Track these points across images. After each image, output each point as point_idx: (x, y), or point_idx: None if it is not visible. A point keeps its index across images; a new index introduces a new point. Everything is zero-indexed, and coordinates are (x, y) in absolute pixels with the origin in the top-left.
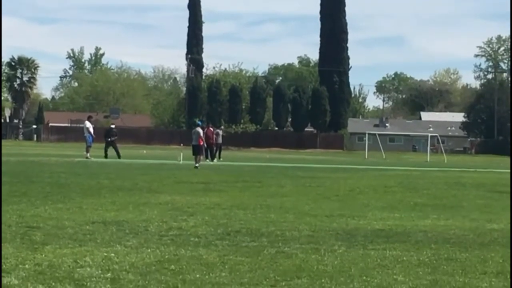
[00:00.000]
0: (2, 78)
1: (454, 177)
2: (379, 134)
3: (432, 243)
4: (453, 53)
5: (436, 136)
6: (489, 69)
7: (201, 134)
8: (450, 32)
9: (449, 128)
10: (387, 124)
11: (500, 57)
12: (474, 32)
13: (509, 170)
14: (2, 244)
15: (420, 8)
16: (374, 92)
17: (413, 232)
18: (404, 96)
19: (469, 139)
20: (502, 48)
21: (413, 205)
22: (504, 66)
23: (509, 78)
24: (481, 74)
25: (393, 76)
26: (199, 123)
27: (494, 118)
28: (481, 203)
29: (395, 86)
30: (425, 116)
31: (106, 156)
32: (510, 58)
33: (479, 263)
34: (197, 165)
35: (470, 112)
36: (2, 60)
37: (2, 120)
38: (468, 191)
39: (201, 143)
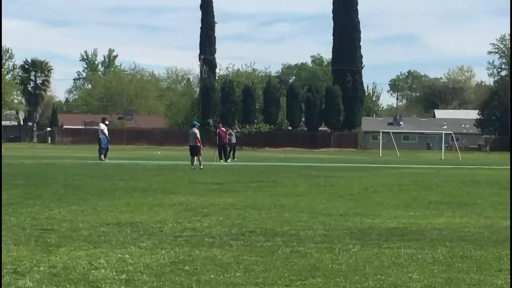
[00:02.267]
0: (16, 81)
1: (468, 174)
2: (393, 133)
3: (446, 241)
4: (467, 50)
5: (450, 133)
6: (503, 66)
7: (198, 135)
8: (463, 29)
9: (463, 126)
10: (401, 123)
11: None
12: (487, 29)
13: None
14: (16, 247)
15: (433, 5)
16: (388, 91)
17: (428, 230)
18: (417, 94)
19: (483, 136)
20: None
21: (428, 203)
22: None
23: (509, 78)
24: (495, 71)
25: (406, 74)
26: (196, 123)
27: (508, 115)
28: (496, 200)
29: (409, 84)
30: (439, 114)
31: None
32: (510, 59)
33: (494, 260)
34: (193, 167)
35: (484, 109)
36: (16, 63)
37: (16, 123)
38: (483, 188)
39: (198, 144)
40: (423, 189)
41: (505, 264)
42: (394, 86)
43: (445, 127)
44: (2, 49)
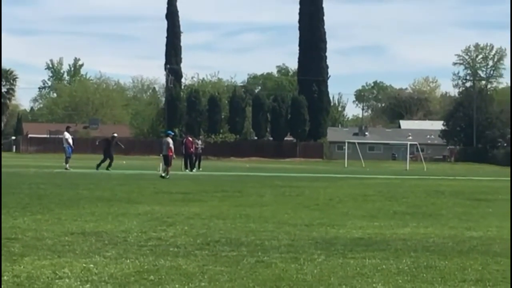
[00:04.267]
0: None
1: (433, 185)
2: (358, 143)
3: (411, 251)
4: (432, 61)
5: (416, 144)
6: (468, 77)
7: (171, 144)
8: (428, 41)
9: (428, 136)
10: (366, 133)
11: (478, 65)
12: (452, 41)
13: (490, 178)
14: None
15: (399, 17)
16: (353, 101)
17: (393, 240)
18: (383, 105)
19: (448, 147)
20: (480, 56)
21: (393, 214)
22: (482, 74)
23: (510, 84)
24: (460, 82)
25: (372, 84)
26: (170, 133)
27: (473, 126)
28: (460, 211)
29: (374, 95)
30: (404, 124)
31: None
32: (510, 62)
33: (458, 271)
34: (163, 174)
35: (449, 120)
36: None
37: None
38: (447, 199)
39: (171, 154)
40: (388, 199)
41: (469, 274)
42: (360, 96)
43: (410, 137)
44: None
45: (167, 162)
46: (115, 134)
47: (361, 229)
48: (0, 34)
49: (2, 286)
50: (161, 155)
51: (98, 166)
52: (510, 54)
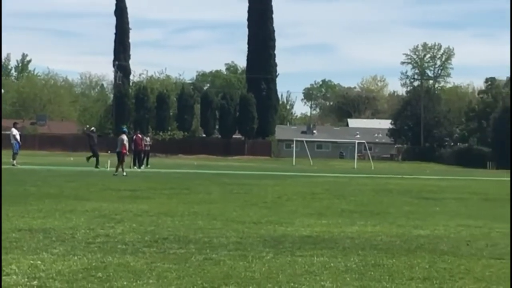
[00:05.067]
0: None
1: (381, 183)
2: (306, 141)
3: (359, 249)
4: (380, 61)
5: (363, 143)
6: (415, 76)
7: (125, 141)
8: (377, 40)
9: (376, 135)
10: (314, 131)
11: (426, 64)
12: (401, 40)
13: (437, 177)
14: None
15: (347, 15)
16: (302, 99)
17: (341, 238)
18: (331, 103)
19: (395, 146)
20: (428, 56)
21: (341, 212)
22: (430, 73)
23: (510, 85)
24: (408, 81)
25: (320, 83)
26: (125, 130)
27: (420, 125)
28: (408, 209)
29: (323, 93)
30: (352, 123)
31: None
32: (510, 62)
33: (406, 269)
34: (116, 173)
35: (397, 119)
36: None
37: None
38: (395, 197)
39: (124, 151)
40: (336, 197)
41: (416, 272)
42: (308, 95)
43: (358, 136)
44: None
45: (120, 159)
46: (93, 129)
47: (309, 227)
48: (0, 34)
49: None
50: (114, 151)
51: (97, 164)
52: (510, 54)
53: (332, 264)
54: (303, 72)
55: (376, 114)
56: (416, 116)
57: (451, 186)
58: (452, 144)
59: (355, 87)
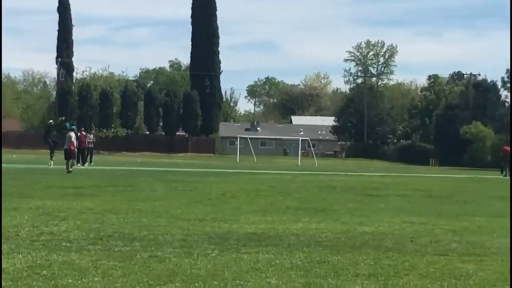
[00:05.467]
0: None
1: (325, 180)
2: (250, 138)
3: (304, 246)
4: (324, 58)
5: (307, 140)
6: (359, 74)
7: (73, 138)
8: (320, 37)
9: (319, 132)
10: (258, 128)
11: (369, 62)
12: (344, 37)
13: (381, 174)
14: None
15: (290, 12)
16: (246, 96)
17: (286, 235)
18: (275, 100)
19: (339, 143)
20: (371, 53)
21: (285, 209)
22: (373, 70)
23: (509, 79)
24: (351, 78)
25: (264, 80)
26: (73, 127)
27: (363, 122)
28: (352, 206)
29: (266, 91)
30: (296, 120)
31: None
32: (510, 60)
33: (351, 265)
34: (70, 169)
35: (340, 116)
36: None
37: None
38: (339, 194)
39: (72, 148)
40: (280, 194)
41: (361, 269)
42: (252, 92)
43: (301, 133)
44: None
45: (68, 156)
46: (51, 121)
47: (254, 224)
48: (0, 34)
49: None
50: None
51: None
52: (510, 53)
53: (277, 261)
54: (247, 69)
55: (319, 111)
56: (360, 113)
57: (394, 183)
58: (395, 141)
59: (298, 84)
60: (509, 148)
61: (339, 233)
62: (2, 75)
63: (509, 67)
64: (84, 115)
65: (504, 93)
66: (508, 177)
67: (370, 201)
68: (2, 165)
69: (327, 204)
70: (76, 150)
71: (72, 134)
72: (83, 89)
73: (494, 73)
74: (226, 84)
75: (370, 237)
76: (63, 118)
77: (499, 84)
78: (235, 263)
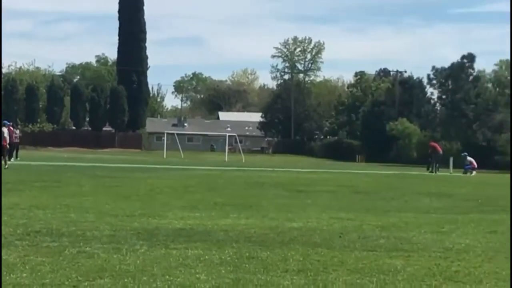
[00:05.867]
0: None
1: (253, 176)
2: (177, 134)
3: (233, 242)
4: (251, 54)
5: (234, 136)
6: (286, 70)
7: (6, 134)
8: (248, 33)
9: (246, 128)
10: (185, 124)
11: (296, 58)
12: (271, 33)
13: (308, 170)
14: None
15: (219, 8)
16: (173, 92)
17: (214, 231)
18: (202, 96)
19: (266, 139)
20: (298, 49)
21: (213, 205)
22: (300, 67)
23: (509, 77)
24: (278, 74)
25: (191, 76)
26: (6, 122)
27: (291, 118)
28: (280, 202)
29: (194, 86)
30: (223, 116)
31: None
32: (510, 58)
33: (280, 261)
34: (6, 166)
35: (267, 112)
36: None
37: None
38: (267, 190)
39: (5, 144)
40: (208, 190)
41: (290, 265)
42: (179, 87)
43: (229, 129)
44: None
45: (1, 152)
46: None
47: (182, 219)
48: (0, 34)
49: None
50: None
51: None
52: (510, 52)
53: (206, 257)
54: (174, 65)
55: (246, 107)
56: (287, 109)
57: (322, 179)
58: (322, 137)
59: (226, 80)
60: (435, 144)
61: (267, 229)
62: None
63: (435, 64)
64: (9, 110)
65: (429, 90)
66: (434, 173)
67: (298, 197)
68: None
69: (255, 200)
70: (7, 146)
71: (5, 129)
72: (9, 83)
73: (420, 70)
74: (153, 79)
75: (299, 233)
76: None
77: (425, 81)
78: (164, 258)
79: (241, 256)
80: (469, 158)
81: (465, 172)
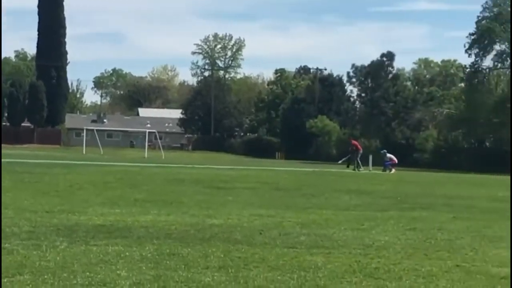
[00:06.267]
0: None
1: (172, 173)
2: (97, 130)
3: (154, 238)
4: (171, 50)
5: (154, 132)
6: (206, 67)
7: None
8: (168, 29)
9: (166, 125)
10: (105, 120)
11: (217, 55)
12: (192, 30)
13: (228, 167)
14: None
15: (138, 4)
16: (92, 88)
17: (135, 227)
18: (122, 92)
19: (186, 136)
20: (218, 46)
21: (134, 201)
22: (220, 63)
23: (509, 78)
24: (199, 71)
25: (111, 72)
26: None
27: (211, 115)
28: (200, 198)
29: (113, 82)
30: (143, 112)
31: None
32: (510, 58)
33: (201, 258)
34: None
35: (187, 108)
36: None
37: None
38: (187, 187)
39: None
40: (128, 187)
41: (211, 261)
42: (99, 83)
43: (148, 125)
44: None
45: None
46: None
47: (102, 216)
48: (0, 34)
49: None
50: None
51: None
52: (510, 51)
53: (127, 253)
54: (94, 61)
55: (166, 104)
56: (207, 106)
57: (242, 176)
58: (242, 134)
59: (146, 77)
60: (356, 142)
61: (188, 226)
62: None
63: (355, 62)
64: None
65: (349, 87)
66: (357, 170)
67: (219, 194)
68: None
69: (176, 196)
70: None
71: None
72: None
73: (340, 68)
74: (73, 75)
75: (220, 230)
76: None
77: (345, 79)
78: (84, 255)
79: (162, 253)
80: (388, 155)
81: (384, 170)
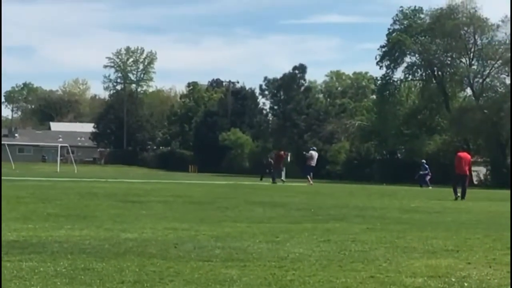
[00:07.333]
0: None
1: (86, 187)
2: (8, 145)
3: (68, 253)
4: (82, 63)
5: (66, 146)
6: (119, 80)
7: None
8: (79, 43)
9: (79, 139)
10: (16, 135)
11: (129, 68)
12: (104, 43)
13: (141, 180)
14: None
15: (49, 17)
16: (3, 102)
17: (48, 242)
18: (33, 107)
19: (98, 149)
20: (131, 59)
21: (47, 216)
22: (133, 77)
23: (510, 79)
24: (111, 84)
25: (22, 86)
26: None
27: (123, 128)
28: (114, 212)
29: (24, 96)
30: (55, 126)
31: None
32: (510, 59)
33: (116, 272)
34: None
35: (100, 122)
36: None
37: None
38: (101, 201)
39: None
40: (41, 201)
41: (126, 276)
42: (9, 97)
43: (60, 139)
44: None
45: None
46: None
47: (15, 231)
48: (0, 35)
49: None
50: None
51: None
52: (510, 54)
53: (41, 269)
54: (3, 75)
55: (78, 118)
56: (119, 120)
57: (155, 189)
58: (154, 147)
59: (57, 90)
60: (282, 153)
61: (102, 240)
62: None
63: (267, 74)
64: None
65: (262, 100)
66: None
67: (132, 208)
68: None
69: (89, 210)
70: None
71: None
72: None
73: (253, 81)
74: None
75: (134, 244)
76: None
77: (257, 91)
78: None
79: (76, 268)
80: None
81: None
